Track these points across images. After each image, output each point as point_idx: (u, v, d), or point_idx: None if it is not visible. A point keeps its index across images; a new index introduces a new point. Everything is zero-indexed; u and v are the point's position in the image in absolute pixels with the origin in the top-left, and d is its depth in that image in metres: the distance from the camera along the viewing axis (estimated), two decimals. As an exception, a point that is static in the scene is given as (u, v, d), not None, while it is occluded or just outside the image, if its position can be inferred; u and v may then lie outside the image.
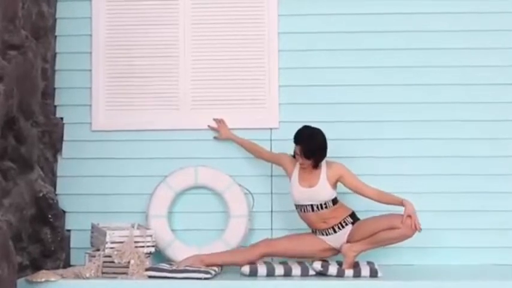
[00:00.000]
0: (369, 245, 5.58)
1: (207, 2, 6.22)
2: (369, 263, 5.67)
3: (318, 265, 5.52)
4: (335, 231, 5.68)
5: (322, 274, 5.49)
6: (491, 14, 6.13)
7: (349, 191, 5.76)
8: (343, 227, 5.68)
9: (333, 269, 5.49)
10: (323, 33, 6.18)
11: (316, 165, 5.67)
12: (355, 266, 5.57)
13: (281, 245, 5.73)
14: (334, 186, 5.70)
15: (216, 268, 5.58)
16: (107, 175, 6.14)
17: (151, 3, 6.23)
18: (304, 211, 5.70)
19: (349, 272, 5.48)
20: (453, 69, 6.12)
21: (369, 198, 5.68)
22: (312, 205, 5.67)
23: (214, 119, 6.13)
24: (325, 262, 5.59)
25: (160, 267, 5.59)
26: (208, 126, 6.13)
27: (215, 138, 6.13)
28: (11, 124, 5.32)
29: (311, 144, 5.62)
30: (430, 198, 6.05)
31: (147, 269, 5.49)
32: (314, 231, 5.75)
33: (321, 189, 5.67)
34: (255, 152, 6.03)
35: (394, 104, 6.13)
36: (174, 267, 5.58)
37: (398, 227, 5.47)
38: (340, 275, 5.46)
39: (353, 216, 5.72)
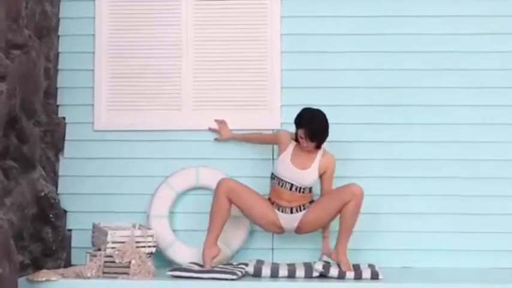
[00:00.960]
0: (346, 239, 5.62)
1: (210, 3, 6.22)
2: (370, 265, 5.68)
3: (319, 266, 5.52)
4: (291, 212, 5.73)
5: (322, 276, 5.49)
6: (493, 17, 6.14)
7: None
8: (300, 210, 5.73)
9: (334, 271, 5.49)
10: (325, 35, 6.18)
11: (319, 147, 5.70)
12: (356, 269, 5.57)
13: (240, 198, 5.68)
14: (319, 175, 5.75)
15: (243, 268, 5.56)
16: (108, 175, 6.15)
17: (154, 3, 6.23)
18: (282, 186, 5.72)
19: (350, 275, 5.48)
20: (460, 72, 6.13)
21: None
22: (292, 184, 5.70)
23: (216, 120, 6.13)
24: (327, 263, 5.59)
25: (187, 267, 5.57)
26: (209, 128, 6.13)
27: (216, 140, 6.13)
28: (13, 123, 5.32)
29: (315, 126, 5.63)
30: (431, 201, 6.06)
31: (172, 269, 5.49)
32: (272, 203, 5.77)
33: (310, 174, 5.71)
34: (258, 140, 6.04)
35: (397, 107, 6.12)
36: (199, 268, 5.57)
37: (349, 200, 5.54)
38: (341, 277, 5.46)
39: (311, 202, 5.79)
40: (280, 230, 5.81)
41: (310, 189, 5.78)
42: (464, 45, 6.13)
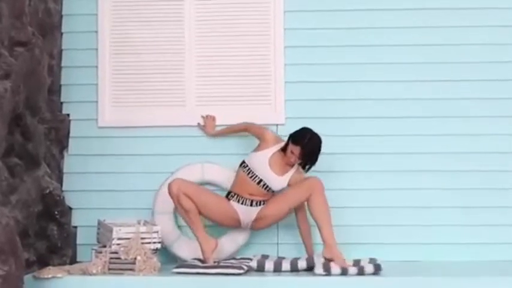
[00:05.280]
0: (327, 235, 5.61)
1: (212, -2, 6.25)
2: (371, 259, 5.65)
3: (320, 270, 5.49)
4: (251, 205, 5.78)
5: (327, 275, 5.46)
6: (494, 9, 6.15)
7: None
8: (259, 204, 5.79)
9: (335, 269, 5.44)
10: (329, 30, 6.18)
11: (304, 167, 5.76)
12: (357, 264, 5.54)
13: (194, 195, 5.66)
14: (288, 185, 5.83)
15: (247, 263, 5.57)
16: (113, 171, 6.16)
17: (157, -1, 6.26)
18: (251, 177, 5.77)
19: (353, 270, 5.44)
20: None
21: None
22: (261, 180, 5.76)
23: (206, 116, 6.12)
24: (327, 261, 5.58)
25: (192, 263, 5.58)
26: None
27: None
28: (18, 121, 5.33)
29: (311, 149, 5.68)
30: (435, 194, 6.06)
31: (177, 266, 5.50)
32: (233, 195, 5.81)
33: (280, 181, 5.78)
34: (244, 129, 6.03)
35: (400, 100, 6.12)
36: (203, 264, 5.59)
37: (310, 194, 5.62)
38: (344, 273, 5.43)
39: None
40: (237, 224, 5.83)
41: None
42: (470, 37, 6.14)
